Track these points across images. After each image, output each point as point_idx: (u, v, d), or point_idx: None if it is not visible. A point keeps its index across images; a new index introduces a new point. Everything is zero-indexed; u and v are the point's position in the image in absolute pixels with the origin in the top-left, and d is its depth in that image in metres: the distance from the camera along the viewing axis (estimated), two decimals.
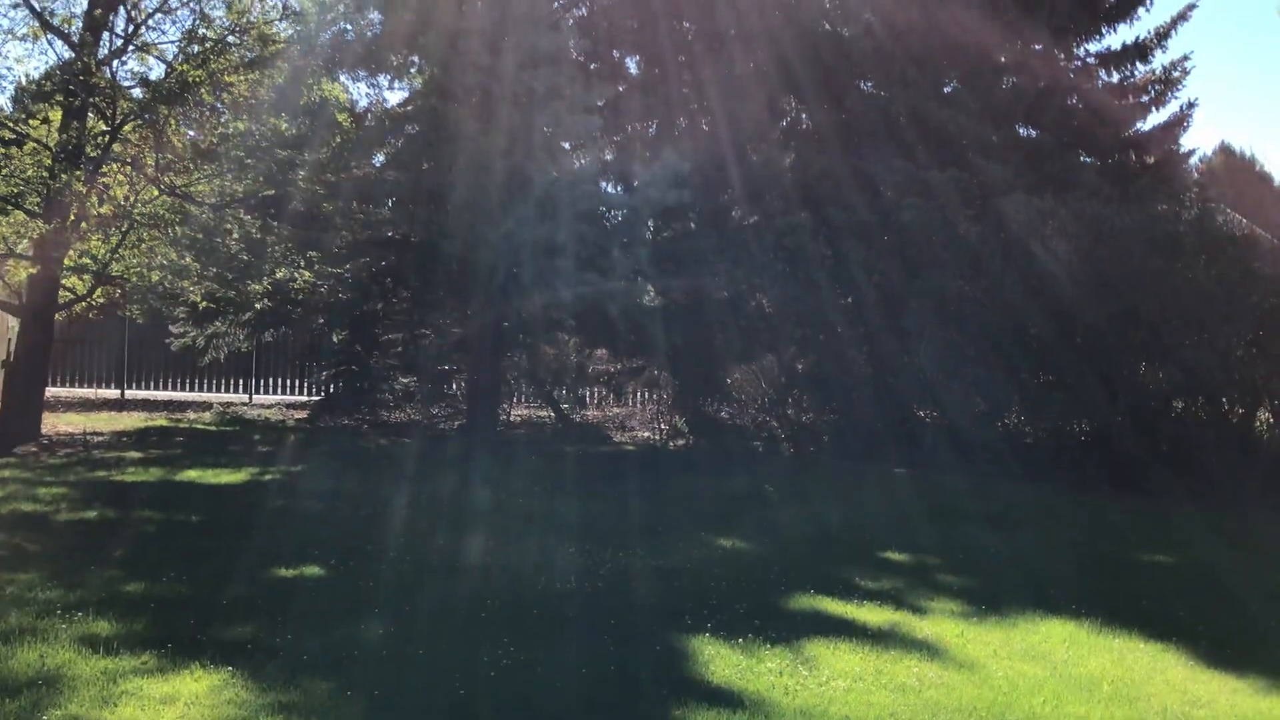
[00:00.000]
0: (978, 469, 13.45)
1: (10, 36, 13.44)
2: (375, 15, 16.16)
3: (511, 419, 19.01)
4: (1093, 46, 18.21)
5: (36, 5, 13.24)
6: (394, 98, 18.24)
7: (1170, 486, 12.43)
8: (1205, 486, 12.41)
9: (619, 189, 18.06)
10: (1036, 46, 17.51)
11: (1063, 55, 17.88)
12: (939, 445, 14.41)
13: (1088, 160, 17.77)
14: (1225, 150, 32.10)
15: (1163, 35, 17.73)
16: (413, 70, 17.21)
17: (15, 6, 13.22)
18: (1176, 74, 17.84)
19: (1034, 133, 17.67)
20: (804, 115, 18.35)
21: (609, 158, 18.08)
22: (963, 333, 14.57)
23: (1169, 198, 15.38)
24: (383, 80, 17.49)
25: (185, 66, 13.21)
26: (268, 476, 12.14)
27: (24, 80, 16.40)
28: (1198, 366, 12.98)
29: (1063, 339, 13.93)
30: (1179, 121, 17.95)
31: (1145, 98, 17.94)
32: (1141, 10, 17.79)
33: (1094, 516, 11.43)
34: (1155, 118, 18.07)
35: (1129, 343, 13.63)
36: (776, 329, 16.71)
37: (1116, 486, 12.80)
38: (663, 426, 17.89)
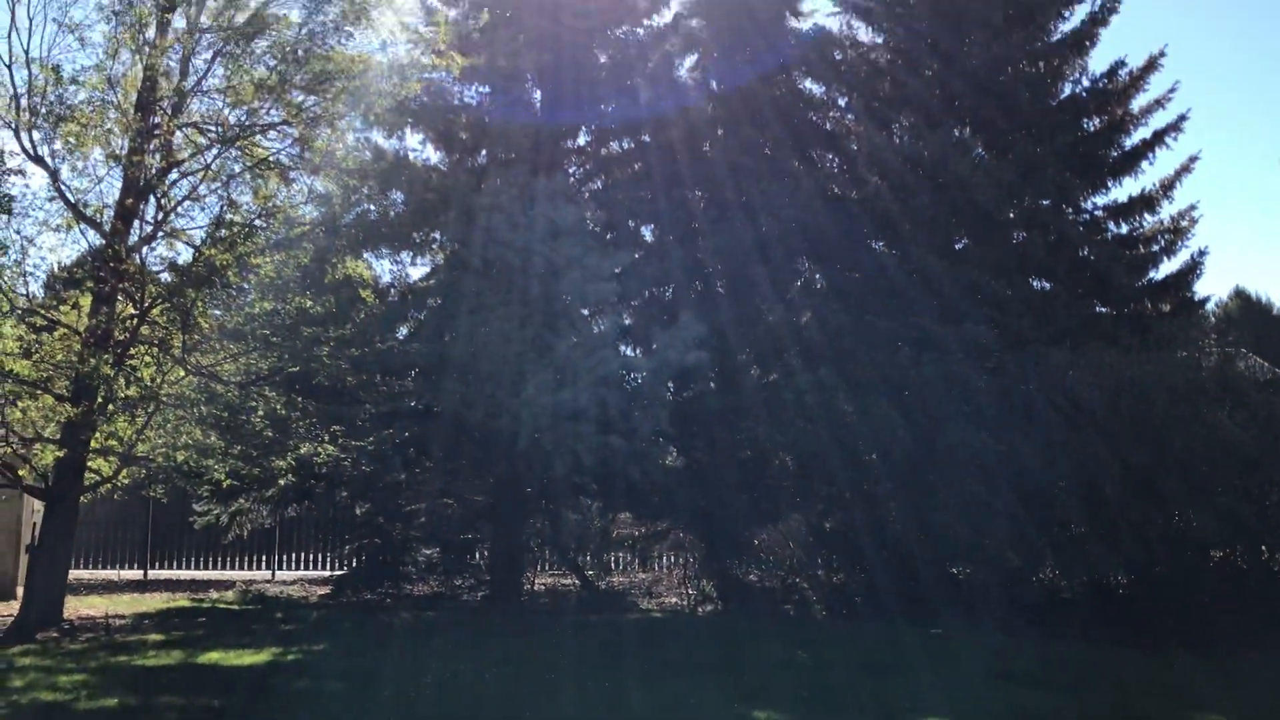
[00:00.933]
0: (1015, 626, 13.10)
1: (45, 228, 13.78)
2: (398, 195, 16.73)
3: (536, 587, 18.72)
4: (1100, 199, 18.58)
5: (71, 197, 13.68)
6: (416, 272, 18.70)
7: (1216, 637, 12.08)
8: (1252, 637, 12.05)
9: (638, 352, 18.22)
10: (1044, 201, 17.86)
11: (1070, 209, 18.22)
12: (974, 603, 14.05)
13: (1103, 310, 17.90)
14: (1240, 295, 32.27)
15: (1168, 186, 18.10)
16: (434, 245, 17.72)
17: (51, 199, 13.64)
18: (1185, 223, 18.11)
19: (1048, 285, 17.84)
20: (817, 275, 18.63)
21: (627, 322, 18.32)
22: (990, 486, 14.37)
23: (1188, 345, 15.38)
24: (405, 256, 17.99)
25: (213, 251, 13.54)
26: (290, 657, 11.93)
27: (56, 268, 16.83)
28: (1233, 514, 12.74)
29: (1093, 490, 13.72)
30: (1191, 269, 18.09)
31: (1155, 247, 18.17)
32: (1145, 164, 18.22)
33: (1138, 673, 11.06)
34: (1167, 266, 18.26)
35: (1161, 492, 13.42)
36: (802, 487, 16.54)
37: (1159, 640, 12.42)
38: (690, 591, 17.56)
